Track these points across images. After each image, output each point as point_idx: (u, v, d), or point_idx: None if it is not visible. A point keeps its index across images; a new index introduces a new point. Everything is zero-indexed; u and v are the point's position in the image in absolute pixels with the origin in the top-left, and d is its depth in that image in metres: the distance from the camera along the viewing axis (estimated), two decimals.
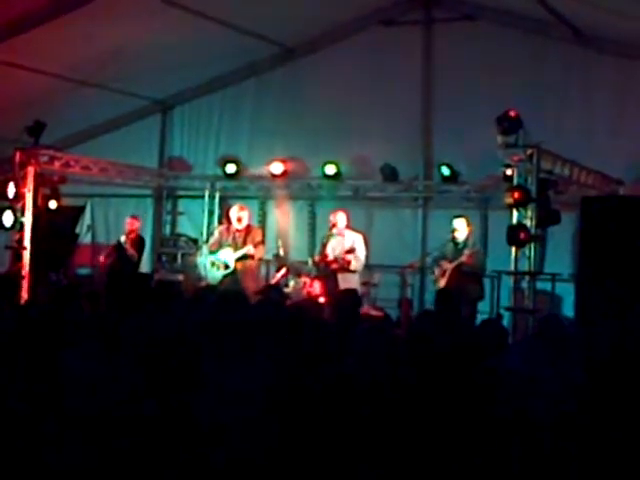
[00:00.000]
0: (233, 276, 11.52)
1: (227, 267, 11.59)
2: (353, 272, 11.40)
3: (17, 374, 5.27)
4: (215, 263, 11.70)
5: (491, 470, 4.43)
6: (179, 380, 5.00)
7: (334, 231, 11.58)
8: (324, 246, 11.71)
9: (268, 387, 4.73)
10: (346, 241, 11.52)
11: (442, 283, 10.99)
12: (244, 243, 11.61)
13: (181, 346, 5.45)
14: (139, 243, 13.08)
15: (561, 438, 4.49)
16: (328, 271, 11.47)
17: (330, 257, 11.49)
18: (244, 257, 11.58)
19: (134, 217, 13.24)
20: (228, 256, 11.61)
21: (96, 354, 5.19)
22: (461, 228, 11.17)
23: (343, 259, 11.35)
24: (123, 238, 12.83)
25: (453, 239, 11.16)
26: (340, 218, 11.65)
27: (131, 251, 12.78)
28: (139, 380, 5.00)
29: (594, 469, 4.45)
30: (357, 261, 11.41)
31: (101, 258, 13.13)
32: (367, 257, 11.73)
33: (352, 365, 5.05)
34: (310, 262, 12.12)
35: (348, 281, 11.22)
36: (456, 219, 11.24)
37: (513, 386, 4.72)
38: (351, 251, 11.34)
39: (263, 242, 12.15)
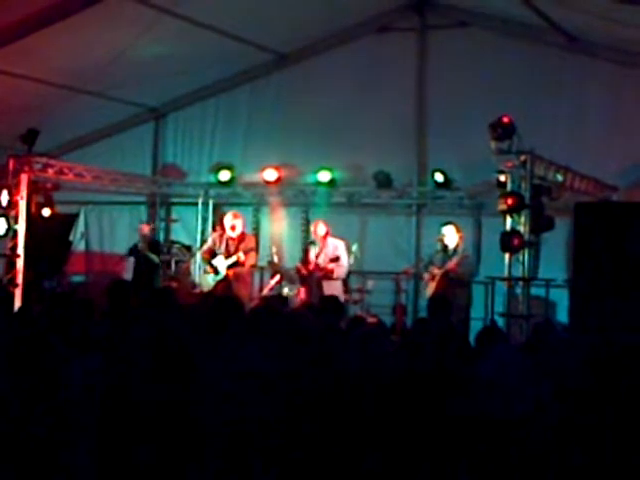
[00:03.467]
0: (225, 283, 11.53)
1: (219, 274, 11.61)
2: (336, 280, 11.55)
3: (15, 382, 5.24)
4: (208, 270, 11.73)
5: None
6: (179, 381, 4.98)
7: (317, 240, 11.72)
8: (306, 253, 11.85)
9: (264, 389, 4.72)
10: (328, 249, 11.58)
11: (431, 288, 11.04)
12: (237, 250, 11.63)
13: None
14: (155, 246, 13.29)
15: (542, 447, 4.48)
16: (312, 278, 11.53)
17: (313, 264, 11.56)
18: (235, 264, 11.59)
19: (145, 223, 13.70)
20: (220, 263, 11.62)
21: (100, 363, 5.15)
22: (450, 235, 11.20)
23: (325, 268, 11.45)
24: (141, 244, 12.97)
25: (444, 246, 11.18)
26: (320, 229, 11.76)
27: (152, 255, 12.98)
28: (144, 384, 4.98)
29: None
30: (340, 269, 11.58)
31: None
32: (360, 264, 11.95)
33: (348, 369, 5.04)
34: (295, 270, 12.18)
35: (332, 287, 11.37)
36: (444, 226, 11.28)
37: (486, 390, 4.70)
38: (335, 259, 11.43)
39: (256, 249, 12.16)
